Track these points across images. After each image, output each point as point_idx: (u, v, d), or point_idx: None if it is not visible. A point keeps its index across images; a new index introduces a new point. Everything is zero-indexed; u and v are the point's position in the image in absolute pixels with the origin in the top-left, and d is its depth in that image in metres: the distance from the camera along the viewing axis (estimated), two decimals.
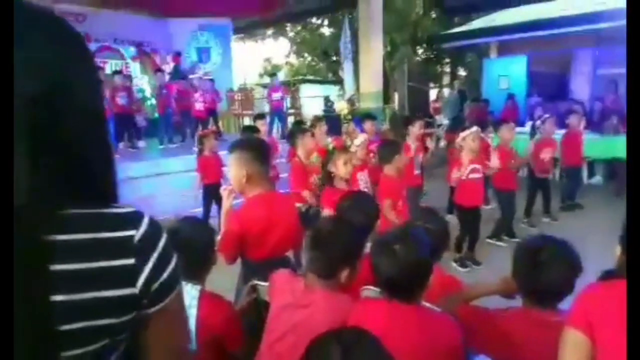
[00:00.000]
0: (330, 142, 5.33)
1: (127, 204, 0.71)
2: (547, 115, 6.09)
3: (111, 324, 0.66)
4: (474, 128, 4.55)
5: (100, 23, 9.50)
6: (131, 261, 0.67)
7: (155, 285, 0.69)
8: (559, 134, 6.42)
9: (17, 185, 0.58)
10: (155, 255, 0.69)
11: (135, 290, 0.67)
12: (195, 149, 7.40)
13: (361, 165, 4.50)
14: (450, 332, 1.40)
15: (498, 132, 5.27)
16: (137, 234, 0.68)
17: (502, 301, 1.65)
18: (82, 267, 0.63)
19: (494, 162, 4.55)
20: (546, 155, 5.63)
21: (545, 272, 1.43)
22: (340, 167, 3.20)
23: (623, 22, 8.55)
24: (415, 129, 5.14)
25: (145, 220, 0.70)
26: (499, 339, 1.45)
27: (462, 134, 4.49)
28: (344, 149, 3.77)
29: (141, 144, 8.55)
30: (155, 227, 0.71)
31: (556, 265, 1.43)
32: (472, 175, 4.38)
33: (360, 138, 4.61)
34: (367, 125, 5.88)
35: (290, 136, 4.70)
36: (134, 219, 0.69)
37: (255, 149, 2.24)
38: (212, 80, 9.67)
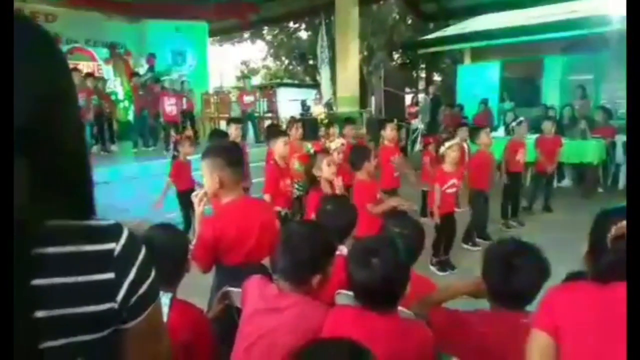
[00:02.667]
0: (310, 147, 5.33)
1: (106, 217, 0.71)
2: (521, 118, 6.26)
3: (91, 339, 0.65)
4: (457, 139, 4.59)
5: (71, 23, 9.28)
6: (111, 275, 0.66)
7: (134, 298, 0.69)
8: (530, 138, 6.58)
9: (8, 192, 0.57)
10: (134, 268, 0.69)
11: (115, 305, 0.67)
12: (166, 153, 7.30)
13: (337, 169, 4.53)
14: (423, 340, 1.41)
15: (476, 138, 5.34)
16: (117, 247, 0.68)
17: (472, 302, 1.67)
18: (64, 282, 0.62)
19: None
20: (520, 156, 5.76)
21: (514, 276, 1.45)
22: (324, 169, 3.24)
23: (591, 29, 8.87)
24: (388, 132, 5.19)
25: (125, 233, 0.70)
26: (469, 342, 1.47)
27: (446, 145, 4.48)
28: (325, 151, 3.79)
29: (114, 147, 8.37)
30: (134, 240, 0.71)
31: (526, 268, 1.45)
32: (449, 190, 4.42)
33: (337, 142, 4.63)
34: (347, 129, 5.91)
35: (267, 139, 4.70)
36: (114, 231, 0.69)
37: (228, 154, 2.21)
38: (186, 82, 9.56)
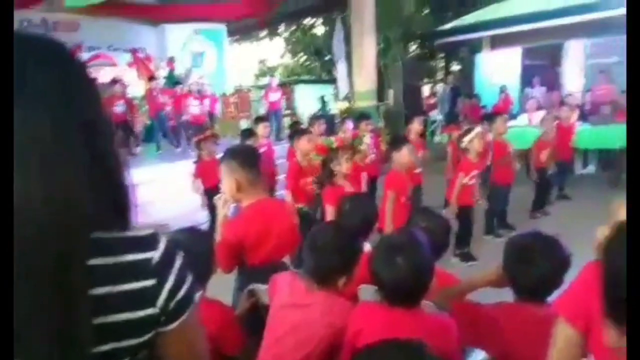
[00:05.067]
0: (333, 141, 5.40)
1: (144, 226, 0.75)
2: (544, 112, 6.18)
3: (134, 344, 0.70)
4: (478, 129, 4.53)
5: (94, 31, 9.50)
6: (152, 282, 0.71)
7: (173, 303, 0.73)
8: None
9: (68, 206, 0.62)
10: (172, 275, 0.73)
11: (156, 309, 0.71)
12: (193, 153, 7.40)
13: (364, 164, 4.63)
14: (449, 333, 1.43)
15: (492, 125, 5.29)
16: (155, 255, 0.72)
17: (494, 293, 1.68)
18: (109, 291, 0.67)
19: None
20: (544, 155, 5.70)
21: (534, 269, 1.46)
22: (343, 164, 3.37)
23: (613, 12, 8.58)
24: (415, 126, 5.21)
25: (162, 242, 0.74)
26: (491, 334, 1.49)
27: (468, 137, 4.43)
28: (346, 147, 3.87)
29: (138, 150, 8.58)
30: (171, 248, 0.75)
31: (545, 261, 1.46)
32: (471, 182, 4.40)
33: (367, 138, 4.72)
34: (362, 124, 5.92)
35: (290, 137, 4.82)
36: (152, 241, 0.73)
37: (242, 156, 2.23)
38: (208, 85, 9.74)
